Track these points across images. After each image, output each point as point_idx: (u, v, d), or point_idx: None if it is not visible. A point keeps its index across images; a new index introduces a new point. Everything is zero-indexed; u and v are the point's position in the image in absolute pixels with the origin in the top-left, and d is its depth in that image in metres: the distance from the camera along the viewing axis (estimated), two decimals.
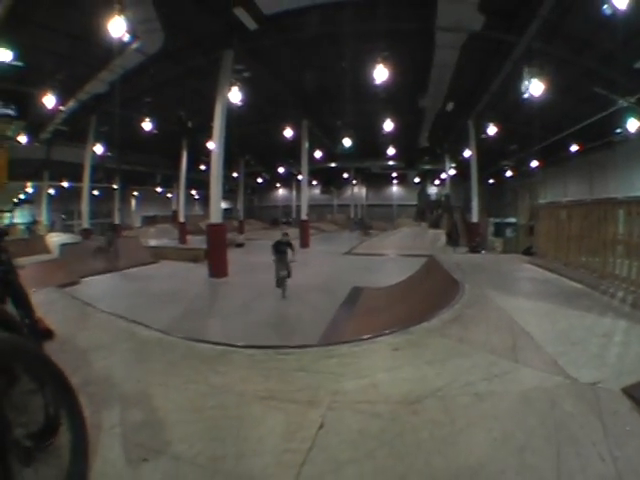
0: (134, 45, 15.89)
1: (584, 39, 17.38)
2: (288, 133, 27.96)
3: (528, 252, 13.93)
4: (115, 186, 34.86)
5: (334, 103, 25.96)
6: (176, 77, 19.68)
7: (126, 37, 14.14)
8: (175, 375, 4.02)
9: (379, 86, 19.05)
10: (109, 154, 28.87)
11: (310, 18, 16.20)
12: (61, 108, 20.86)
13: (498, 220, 31.54)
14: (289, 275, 13.42)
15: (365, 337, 4.90)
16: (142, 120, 24.53)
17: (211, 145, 17.96)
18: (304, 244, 27.47)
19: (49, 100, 19.37)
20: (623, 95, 20.79)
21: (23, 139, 23.65)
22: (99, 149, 27.26)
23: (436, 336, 4.90)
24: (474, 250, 22.06)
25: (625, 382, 3.75)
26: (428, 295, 8.99)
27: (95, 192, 33.05)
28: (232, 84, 17.73)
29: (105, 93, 20.87)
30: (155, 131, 25.52)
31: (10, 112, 13.13)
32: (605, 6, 12.98)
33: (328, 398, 3.41)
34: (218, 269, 16.63)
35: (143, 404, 3.49)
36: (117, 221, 33.31)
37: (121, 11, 13.00)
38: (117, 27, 13.32)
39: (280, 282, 13.27)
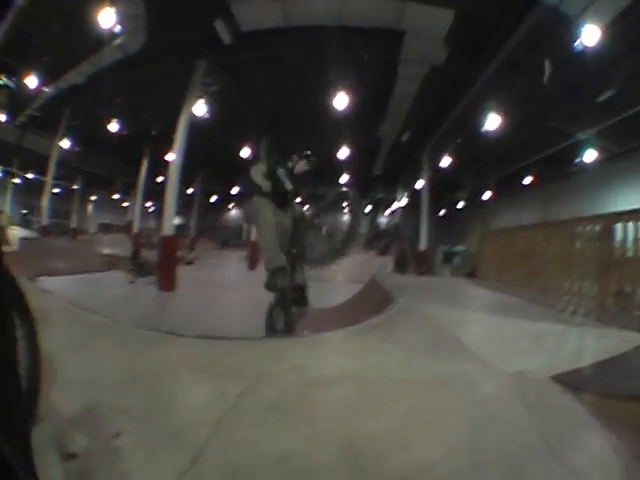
0: (117, 40, 15.64)
1: (544, 73, 17.75)
2: (246, 152, 27.38)
3: (471, 274, 14.12)
4: (75, 186, 33.79)
5: (294, 126, 25.91)
6: (149, 81, 19.38)
7: (117, 28, 13.94)
8: (123, 349, 4.31)
9: (339, 112, 19.12)
10: (76, 150, 28.07)
11: (283, 39, 16.16)
12: (45, 89, 20.16)
13: (447, 248, 31.86)
14: None
15: (297, 335, 5.42)
16: (109, 121, 24.03)
17: (170, 156, 17.64)
18: (252, 266, 26.81)
19: (32, 80, 18.74)
20: (582, 128, 21.25)
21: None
22: (66, 144, 26.46)
23: (359, 336, 5.13)
24: (421, 276, 22.22)
25: (554, 372, 3.85)
26: (365, 310, 9.00)
27: (56, 190, 31.98)
28: (199, 96, 17.51)
29: (82, 85, 20.38)
30: (120, 134, 25.02)
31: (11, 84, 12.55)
32: (576, 42, 13.33)
33: (252, 375, 3.61)
34: (167, 283, 16.16)
35: (91, 366, 3.63)
36: (74, 224, 32.47)
37: (112, 2, 12.96)
38: (106, 18, 13.26)
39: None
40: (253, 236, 27.52)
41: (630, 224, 6.96)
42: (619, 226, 7.19)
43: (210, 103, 18.15)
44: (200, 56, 16.45)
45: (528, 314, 6.82)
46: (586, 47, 13.43)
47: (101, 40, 15.07)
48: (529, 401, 3.30)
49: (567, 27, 13.84)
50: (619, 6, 13.09)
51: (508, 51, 15.31)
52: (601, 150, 22.63)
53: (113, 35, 14.63)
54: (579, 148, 22.87)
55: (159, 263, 17.07)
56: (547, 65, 13.10)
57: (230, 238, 51.83)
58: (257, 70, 18.60)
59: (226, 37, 14.99)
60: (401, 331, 5.34)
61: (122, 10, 13.57)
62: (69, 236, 20.78)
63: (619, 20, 13.41)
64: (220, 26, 14.62)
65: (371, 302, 9.16)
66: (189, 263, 26.66)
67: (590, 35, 13.04)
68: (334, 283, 21.48)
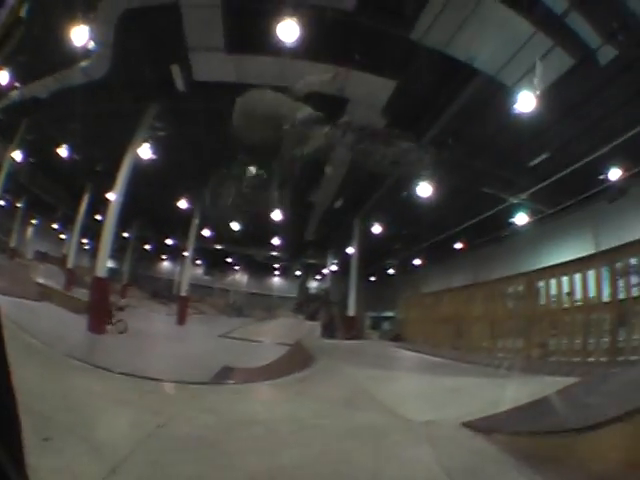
0: (85, 62, 15.33)
1: (480, 143, 18.33)
2: (183, 204, 27.44)
3: (396, 338, 14.16)
4: (20, 204, 32.67)
5: (230, 183, 25.80)
6: (103, 113, 18.95)
7: (90, 45, 13.66)
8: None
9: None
10: (26, 165, 26.89)
11: (231, 93, 16.27)
12: (17, 85, 19.18)
13: (376, 314, 32.00)
14: None
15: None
16: (60, 144, 23.21)
17: (111, 196, 17.28)
18: (180, 322, 26.61)
19: (3, 76, 17.80)
20: (514, 193, 21.88)
21: None
22: (19, 156, 25.16)
23: (277, 388, 5.37)
24: (350, 339, 22.12)
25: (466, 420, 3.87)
26: (288, 369, 8.91)
27: (1, 202, 30.25)
28: (146, 140, 17.46)
29: (43, 100, 19.73)
30: (68, 161, 24.19)
31: None
32: (514, 107, 13.84)
33: (173, 412, 3.77)
34: (97, 324, 15.50)
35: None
36: (13, 243, 31.52)
37: (85, 21, 12.73)
38: (79, 34, 13.04)
39: None
40: (183, 291, 27.13)
41: (553, 280, 7.16)
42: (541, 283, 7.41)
43: (155, 148, 18.02)
44: (154, 98, 16.51)
45: (449, 371, 6.97)
46: (521, 113, 13.92)
47: (70, 57, 14.80)
48: (436, 444, 3.31)
49: (503, 95, 14.45)
50: (553, 75, 13.73)
51: (445, 120, 15.82)
52: (532, 212, 23.35)
53: (83, 53, 14.35)
54: (510, 212, 23.48)
55: (90, 304, 16.55)
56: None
57: (160, 290, 50.66)
58: (204, 121, 18.54)
59: (180, 83, 15.04)
60: (318, 386, 5.39)
61: (94, 33, 13.40)
62: (7, 255, 19.88)
63: (553, 88, 14.13)
64: (175, 71, 14.69)
65: (295, 362, 9.02)
66: (120, 309, 25.74)
67: (525, 102, 13.50)
68: (265, 345, 21.54)
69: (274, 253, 43.30)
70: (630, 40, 12.29)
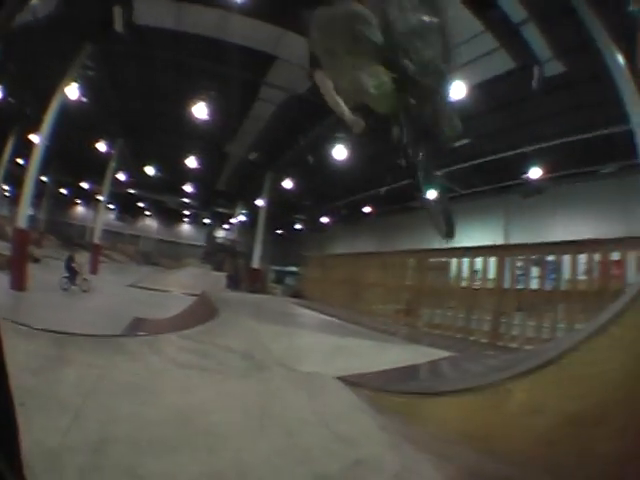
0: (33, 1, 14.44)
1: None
2: (102, 147, 26.54)
3: (296, 294, 14.61)
4: None
5: (152, 129, 25.43)
6: (39, 53, 17.89)
7: None
8: None
9: (194, 122, 19.17)
10: None
11: (167, 41, 15.94)
12: None
13: (279, 268, 32.39)
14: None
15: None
16: None
17: (36, 138, 16.52)
18: (93, 270, 25.41)
19: None
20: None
21: None
22: None
23: (184, 340, 5.54)
24: (254, 292, 22.38)
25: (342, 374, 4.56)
26: (194, 320, 9.23)
27: None
28: (75, 79, 16.64)
29: None
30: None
31: None
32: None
33: (105, 364, 4.07)
34: (18, 281, 14.70)
35: None
36: None
37: None
38: None
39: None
40: (96, 238, 26.82)
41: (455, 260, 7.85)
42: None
43: (83, 88, 17.35)
44: (92, 38, 15.93)
45: (339, 331, 7.61)
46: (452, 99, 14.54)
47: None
48: (312, 392, 3.94)
49: None
50: (488, 74, 14.90)
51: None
52: (445, 190, 24.14)
53: None
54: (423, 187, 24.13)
55: (12, 259, 15.65)
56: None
57: (74, 237, 48.71)
58: (135, 67, 18.38)
59: (119, 25, 14.39)
60: (221, 338, 5.76)
61: None
62: None
63: (485, 84, 15.16)
64: (117, 12, 14.09)
65: (199, 314, 9.31)
66: (36, 260, 24.69)
67: (457, 90, 14.20)
68: (172, 295, 21.66)
69: (185, 200, 42.73)
70: (581, 63, 13.38)
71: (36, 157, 15.77)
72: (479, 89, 15.25)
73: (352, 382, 4.26)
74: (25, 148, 17.86)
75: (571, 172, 21.24)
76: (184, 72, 18.02)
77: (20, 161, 20.95)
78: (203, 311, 9.67)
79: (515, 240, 22.94)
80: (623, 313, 2.81)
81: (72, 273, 17.67)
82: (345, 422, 3.43)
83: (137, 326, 11.71)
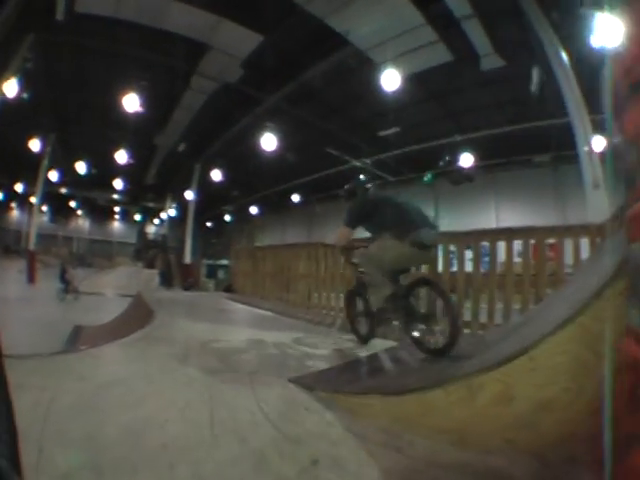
0: None
1: (334, 106, 19.06)
2: (35, 145, 24.36)
3: (228, 289, 14.45)
4: None
5: (83, 122, 24.65)
6: None
7: None
8: None
9: (124, 114, 18.55)
10: None
11: (103, 29, 15.31)
12: None
13: (211, 262, 32.11)
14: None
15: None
16: None
17: None
18: (31, 279, 24.95)
19: None
20: (359, 157, 23.01)
21: None
22: None
23: (124, 349, 5.37)
24: (186, 290, 22.09)
25: (284, 373, 4.42)
26: (134, 325, 8.98)
27: None
28: (14, 73, 15.74)
29: None
30: None
31: None
32: (382, 87, 14.31)
33: (52, 385, 3.74)
34: None
35: None
36: None
37: None
38: None
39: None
40: (31, 244, 26.00)
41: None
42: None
43: (22, 82, 16.37)
44: (31, 29, 15.28)
45: (274, 325, 7.66)
46: (382, 88, 14.58)
47: None
48: (260, 395, 3.71)
49: (369, 68, 15.10)
50: (424, 64, 14.83)
51: (303, 81, 16.24)
52: (373, 178, 24.32)
53: None
54: (352, 174, 24.27)
55: None
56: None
57: (11, 244, 47.12)
58: (70, 56, 17.63)
59: (61, 13, 13.85)
60: (159, 344, 5.59)
61: None
62: None
63: (420, 74, 15.20)
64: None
65: (136, 318, 9.00)
66: None
67: (390, 79, 14.21)
68: (108, 298, 21.64)
69: (115, 196, 41.60)
70: (520, 60, 13.76)
71: None
72: (415, 79, 15.42)
73: (305, 384, 4.05)
74: None
75: (504, 160, 22.19)
76: (117, 61, 17.53)
77: None
78: (139, 314, 9.32)
79: (445, 227, 23.78)
80: (590, 303, 2.87)
81: (65, 283, 19.31)
82: (297, 423, 3.31)
83: (78, 334, 11.62)
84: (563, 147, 17.49)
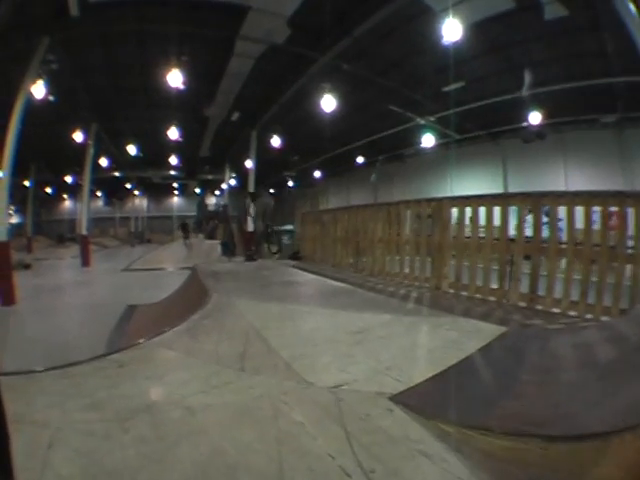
0: None
1: (393, 61, 17.86)
2: (78, 137, 24.65)
3: (295, 256, 14.06)
4: None
5: (125, 107, 24.59)
6: None
7: None
8: None
9: (170, 91, 17.97)
10: None
11: (126, 13, 14.85)
12: None
13: (275, 228, 31.92)
14: None
15: (95, 356, 4.70)
16: None
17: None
18: (85, 263, 25.03)
19: None
20: (422, 114, 21.79)
21: None
22: None
23: (164, 350, 4.70)
24: (250, 258, 21.70)
25: (381, 381, 3.46)
26: (186, 306, 8.36)
27: None
28: (39, 76, 15.39)
29: None
30: None
31: None
32: (443, 38, 13.25)
33: (57, 419, 3.20)
34: (6, 296, 14.01)
35: None
36: None
37: None
38: None
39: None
40: (84, 229, 25.94)
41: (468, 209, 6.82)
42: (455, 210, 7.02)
43: (49, 83, 15.96)
44: (46, 30, 14.81)
45: (352, 302, 6.52)
46: (443, 40, 13.41)
47: None
48: (352, 428, 2.72)
49: (426, 19, 14.02)
50: (485, 12, 13.81)
51: (355, 37, 15.04)
52: (440, 136, 23.33)
53: None
54: (416, 132, 23.29)
55: None
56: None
57: (65, 232, 49.02)
58: (96, 47, 17.38)
59: (75, 9, 13.39)
60: (208, 338, 4.95)
61: None
62: None
63: (482, 23, 14.04)
64: None
65: (193, 297, 8.46)
66: (27, 267, 24.10)
67: (450, 30, 12.93)
68: (166, 273, 21.71)
69: (171, 172, 42.29)
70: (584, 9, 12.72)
71: (6, 166, 14.70)
72: (476, 29, 14.19)
73: (416, 407, 2.93)
74: None
75: (571, 119, 20.71)
76: (150, 42, 17.10)
77: None
78: (194, 292, 8.94)
79: (514, 186, 23.21)
80: None
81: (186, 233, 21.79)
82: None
83: (130, 314, 11.37)
84: (631, 108, 16.74)
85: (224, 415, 3.06)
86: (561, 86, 17.08)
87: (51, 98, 16.75)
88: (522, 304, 5.87)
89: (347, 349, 4.30)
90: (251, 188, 27.81)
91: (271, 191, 45.52)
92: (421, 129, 23.15)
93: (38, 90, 15.61)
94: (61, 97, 19.69)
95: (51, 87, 16.24)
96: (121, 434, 2.91)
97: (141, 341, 4.95)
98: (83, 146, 25.92)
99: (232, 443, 2.67)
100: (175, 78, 16.17)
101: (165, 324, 7.01)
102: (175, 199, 57.94)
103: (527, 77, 17.08)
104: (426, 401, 3.03)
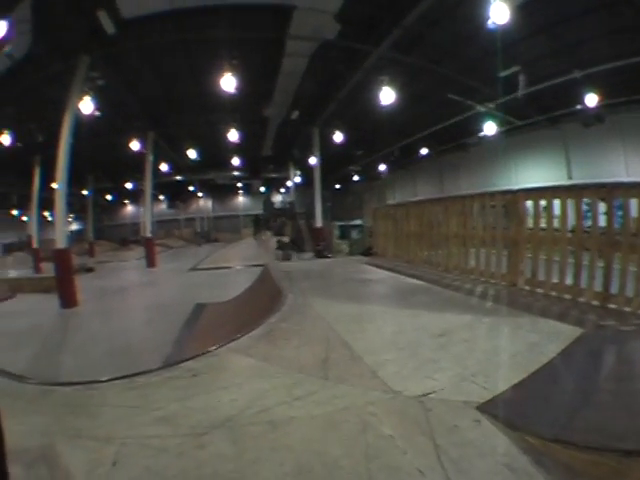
0: (6, 48, 13.86)
1: (446, 49, 17.45)
2: (135, 146, 25.72)
3: (368, 252, 14.00)
4: None
5: (180, 113, 25.02)
6: (35, 86, 17.44)
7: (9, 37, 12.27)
8: None
9: (225, 95, 18.14)
10: None
11: (166, 23, 14.93)
12: None
13: (343, 223, 31.83)
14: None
15: (167, 365, 4.83)
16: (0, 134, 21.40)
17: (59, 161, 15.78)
18: (150, 264, 25.93)
19: None
20: (481, 101, 21.33)
21: None
22: None
23: (240, 356, 4.62)
24: (319, 254, 21.73)
25: (467, 389, 3.39)
26: (258, 307, 8.39)
27: None
28: (85, 93, 15.99)
29: None
30: (10, 146, 22.47)
31: None
32: (489, 21, 12.98)
33: (122, 433, 3.18)
34: (68, 299, 14.77)
35: None
36: None
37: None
38: None
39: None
40: (147, 232, 26.85)
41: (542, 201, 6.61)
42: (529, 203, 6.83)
43: (96, 98, 16.58)
44: (83, 50, 15.22)
45: (430, 301, 6.43)
46: (494, 24, 13.09)
47: None
48: (442, 441, 2.68)
49: (474, 3, 13.49)
50: None
51: (406, 26, 14.67)
52: (502, 123, 22.81)
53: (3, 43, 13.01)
54: (477, 121, 22.83)
55: (57, 279, 15.66)
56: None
57: (128, 236, 50.63)
58: (141, 59, 17.69)
59: (109, 27, 13.68)
60: (288, 343, 4.88)
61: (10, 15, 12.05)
62: None
63: (531, 3, 13.39)
64: (103, 16, 13.33)
65: (265, 297, 8.49)
66: (89, 270, 24.96)
67: (499, 13, 12.53)
68: (234, 271, 21.75)
69: (235, 173, 42.78)
70: None
71: (61, 177, 15.67)
72: (524, 9, 13.49)
73: (503, 417, 2.88)
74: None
75: (625, 99, 19.60)
76: (197, 49, 17.21)
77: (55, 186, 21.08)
78: (266, 291, 9.04)
79: (577, 173, 22.81)
80: None
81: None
82: None
83: (199, 313, 11.67)
84: None
85: (309, 429, 2.99)
86: (612, 64, 16.27)
87: (97, 113, 17.30)
88: (595, 302, 5.65)
89: (431, 354, 4.22)
90: (317, 184, 27.99)
91: (337, 186, 45.68)
92: (482, 117, 22.62)
93: (86, 106, 16.23)
94: (113, 110, 20.28)
95: (100, 102, 16.89)
96: (196, 451, 2.86)
97: (215, 347, 4.90)
98: (142, 154, 26.87)
99: (318, 459, 2.61)
100: (229, 82, 16.36)
101: (236, 324, 7.08)
102: (240, 198, 58.72)
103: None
104: (511, 411, 2.95)
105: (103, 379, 4.38)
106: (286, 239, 28.98)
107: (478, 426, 2.81)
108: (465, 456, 2.48)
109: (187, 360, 4.57)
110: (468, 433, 2.73)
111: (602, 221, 5.76)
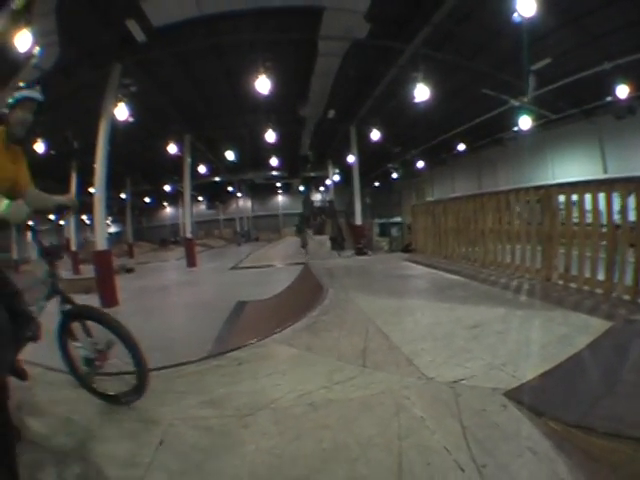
0: (34, 60, 14.28)
1: (477, 44, 17.44)
2: (172, 149, 26.46)
3: (407, 249, 14.16)
4: None
5: (217, 116, 25.34)
6: (67, 94, 17.91)
7: (35, 50, 12.61)
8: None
9: (261, 97, 18.37)
10: None
11: (197, 29, 15.32)
12: None
13: (383, 220, 31.83)
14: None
15: (213, 354, 5.03)
16: (34, 142, 22.02)
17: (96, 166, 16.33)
18: (191, 263, 26.38)
19: None
20: (515, 95, 21.18)
21: None
22: None
23: (284, 346, 4.81)
24: (360, 252, 21.81)
25: (496, 377, 3.53)
26: (299, 303, 8.56)
27: None
28: (119, 100, 16.53)
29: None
30: (45, 154, 23.14)
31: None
32: (515, 14, 12.95)
33: (170, 416, 3.35)
34: (108, 299, 15.13)
35: None
36: (15, 256, 31.57)
37: (28, 23, 11.49)
38: (23, 40, 11.69)
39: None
40: (188, 233, 27.25)
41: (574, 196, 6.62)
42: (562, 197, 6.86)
43: (130, 105, 17.13)
44: (115, 59, 15.66)
45: (466, 296, 6.58)
46: (522, 17, 13.02)
47: (19, 63, 13.73)
48: (470, 424, 2.84)
49: None
50: None
51: (435, 22, 14.76)
52: (536, 117, 22.59)
53: (31, 56, 13.34)
54: (512, 115, 22.64)
55: (97, 280, 16.01)
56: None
57: (167, 237, 51.34)
58: (174, 65, 18.05)
59: (139, 35, 14.10)
60: (329, 334, 5.07)
61: (36, 28, 12.31)
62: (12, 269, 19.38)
63: None
64: (132, 25, 13.73)
65: (307, 293, 8.68)
66: (129, 271, 25.46)
67: (527, 6, 12.53)
68: (275, 269, 22.10)
69: (274, 173, 43.25)
70: None
71: (99, 182, 16.19)
72: (548, 3, 13.40)
73: (529, 403, 3.01)
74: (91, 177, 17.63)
75: None
76: (230, 53, 17.58)
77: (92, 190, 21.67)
78: (307, 288, 9.21)
79: (612, 166, 22.32)
80: None
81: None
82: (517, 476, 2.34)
83: (240, 310, 11.77)
84: None
85: (346, 410, 3.18)
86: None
87: (132, 119, 17.68)
88: (627, 297, 5.62)
89: (465, 344, 4.38)
90: (356, 183, 28.09)
91: (376, 184, 45.63)
92: (517, 111, 22.39)
93: (121, 112, 16.72)
94: (149, 114, 20.70)
95: (135, 107, 17.36)
96: (241, 429, 3.06)
97: (259, 338, 5.11)
98: (179, 157, 27.38)
99: (354, 438, 2.79)
100: (263, 84, 16.59)
101: (278, 320, 7.25)
102: (280, 198, 59.23)
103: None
104: (537, 397, 3.07)
105: (150, 368, 4.52)
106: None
107: (504, 411, 2.95)
108: (490, 437, 2.64)
109: (233, 350, 4.78)
110: (494, 417, 2.88)
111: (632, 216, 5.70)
